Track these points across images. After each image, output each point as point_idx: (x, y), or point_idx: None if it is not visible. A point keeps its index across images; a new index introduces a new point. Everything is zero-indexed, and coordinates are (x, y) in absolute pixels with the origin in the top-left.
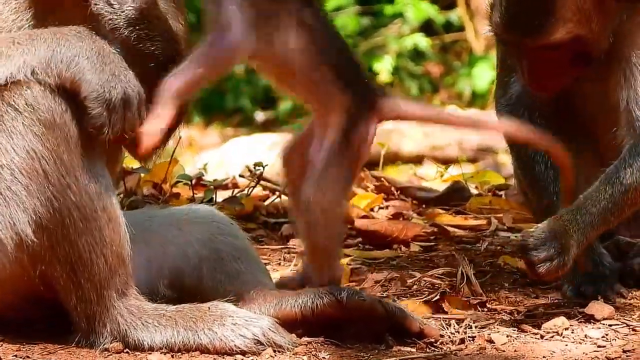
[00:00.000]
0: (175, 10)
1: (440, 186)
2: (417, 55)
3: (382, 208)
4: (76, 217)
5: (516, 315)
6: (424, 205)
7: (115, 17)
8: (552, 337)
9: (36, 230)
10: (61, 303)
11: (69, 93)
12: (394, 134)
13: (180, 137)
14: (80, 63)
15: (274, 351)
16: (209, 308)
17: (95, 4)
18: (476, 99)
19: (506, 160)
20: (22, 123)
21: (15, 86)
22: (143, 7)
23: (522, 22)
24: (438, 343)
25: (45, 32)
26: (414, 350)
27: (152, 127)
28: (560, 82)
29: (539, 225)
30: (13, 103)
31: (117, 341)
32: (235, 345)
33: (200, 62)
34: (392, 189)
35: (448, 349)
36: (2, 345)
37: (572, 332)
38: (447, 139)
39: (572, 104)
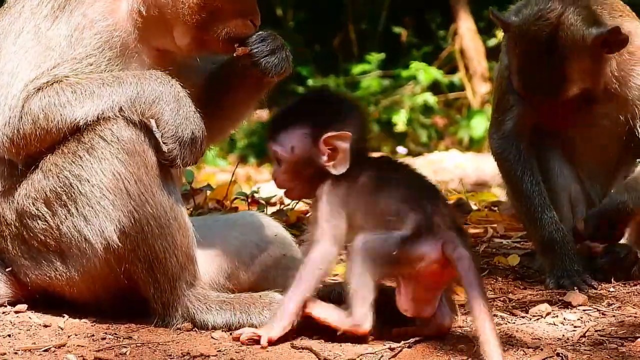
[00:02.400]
0: None
1: None
2: (426, 109)
3: None
4: (153, 226)
5: (508, 302)
6: None
7: (264, 48)
8: (538, 319)
9: (120, 237)
10: (141, 294)
11: (147, 128)
12: None
13: (239, 161)
14: (160, 105)
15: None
16: (260, 296)
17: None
18: (473, 144)
19: (497, 192)
20: (110, 151)
21: (105, 121)
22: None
23: (542, 89)
24: None
25: (130, 75)
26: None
27: (270, 334)
28: (573, 119)
29: None
30: (103, 135)
31: (187, 322)
32: None
33: (304, 281)
34: None
35: (454, 328)
36: (94, 325)
37: (554, 316)
38: (451, 176)
39: (555, 134)
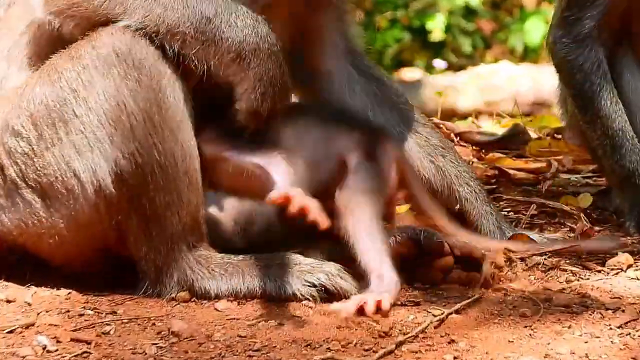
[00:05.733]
0: None
1: (499, 131)
2: (468, 12)
3: None
4: (158, 176)
5: (580, 254)
6: (483, 150)
7: None
8: (617, 273)
9: (115, 181)
10: (130, 254)
11: (176, 61)
12: (449, 90)
13: None
14: (252, 61)
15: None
16: (273, 257)
17: None
18: (528, 54)
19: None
20: (118, 72)
21: (132, 33)
22: None
23: None
24: (504, 272)
25: (234, 12)
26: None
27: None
28: None
29: None
30: (117, 49)
31: (184, 290)
32: (299, 291)
33: None
34: (452, 135)
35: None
36: (69, 298)
37: (636, 269)
38: (503, 94)
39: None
